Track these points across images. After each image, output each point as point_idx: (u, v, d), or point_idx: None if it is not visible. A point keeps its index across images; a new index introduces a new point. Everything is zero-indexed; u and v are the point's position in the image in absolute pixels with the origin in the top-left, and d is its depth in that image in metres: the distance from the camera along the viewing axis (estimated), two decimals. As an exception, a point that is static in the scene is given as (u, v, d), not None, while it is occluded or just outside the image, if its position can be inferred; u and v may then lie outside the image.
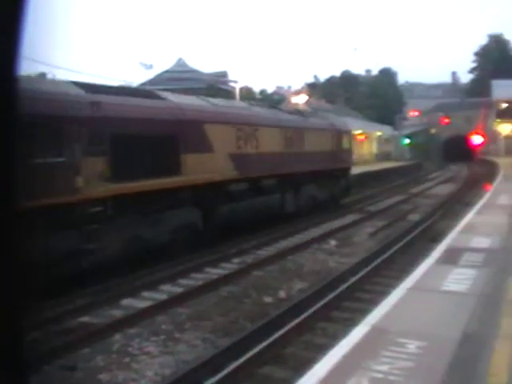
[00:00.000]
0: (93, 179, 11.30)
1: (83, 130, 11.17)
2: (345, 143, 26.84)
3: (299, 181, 21.01)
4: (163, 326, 9.29)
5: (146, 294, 11.36)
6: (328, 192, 24.05)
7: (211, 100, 18.30)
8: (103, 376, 7.37)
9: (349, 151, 27.73)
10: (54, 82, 12.97)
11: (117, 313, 10.07)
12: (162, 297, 11.04)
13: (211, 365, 7.32)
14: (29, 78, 10.74)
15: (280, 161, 19.55)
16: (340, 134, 26.37)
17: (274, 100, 74.10)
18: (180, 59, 75.44)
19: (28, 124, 7.90)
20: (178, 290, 11.61)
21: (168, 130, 14.03)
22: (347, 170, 27.30)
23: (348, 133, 28.51)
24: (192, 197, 14.85)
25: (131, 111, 12.91)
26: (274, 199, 19.24)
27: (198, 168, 14.76)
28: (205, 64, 76.99)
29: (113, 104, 12.39)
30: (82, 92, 11.76)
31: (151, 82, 61.66)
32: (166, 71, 71.02)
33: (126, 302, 10.80)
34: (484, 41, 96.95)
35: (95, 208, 11.43)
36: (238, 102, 25.00)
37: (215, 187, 15.67)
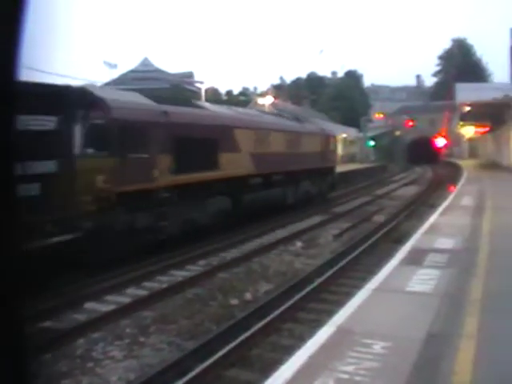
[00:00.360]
0: (163, 171, 14.66)
1: (157, 133, 14.43)
2: (331, 145, 31.49)
3: (297, 177, 24.92)
4: (128, 330, 9.18)
5: (109, 297, 11.21)
6: (318, 187, 28.13)
7: (236, 109, 23.23)
8: (67, 382, 7.24)
9: (334, 152, 32.92)
10: (134, 94, 15.94)
11: (80, 317, 9.91)
12: (126, 300, 10.91)
13: (177, 368, 7.25)
14: (116, 90, 14.73)
15: (283, 160, 23.21)
16: (327, 137, 31.00)
17: (240, 101, 74.17)
18: (145, 59, 75.06)
19: (124, 128, 13.05)
20: (142, 292, 11.49)
21: (210, 133, 17.56)
22: (333, 168, 31.82)
23: (333, 136, 33.41)
24: (224, 188, 18.28)
25: (187, 118, 16.45)
26: (278, 192, 22.95)
27: (230, 164, 18.44)
28: (171, 64, 77.20)
29: (175, 112, 15.78)
30: (154, 103, 15.41)
31: (116, 81, 61.19)
32: (131, 71, 70.57)
33: (89, 305, 10.64)
34: (448, 45, 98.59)
35: (164, 194, 14.77)
36: (252, 110, 28.85)
37: (240, 180, 19.33)
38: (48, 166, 11.52)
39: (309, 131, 28.45)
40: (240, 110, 23.68)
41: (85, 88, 14.52)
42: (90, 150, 13.29)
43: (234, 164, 18.73)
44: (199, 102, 20.07)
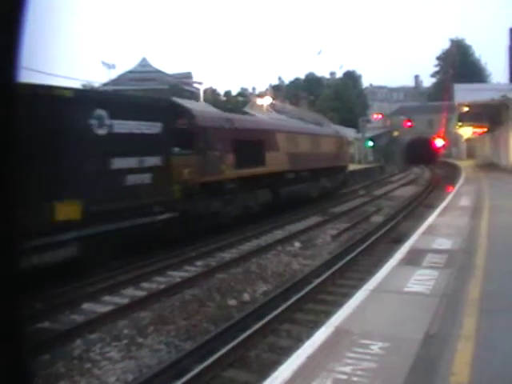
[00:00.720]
0: (228, 166, 18.85)
1: (225, 136, 18.72)
2: (344, 147, 36.70)
3: (318, 174, 29.03)
4: (125, 331, 9.17)
5: (107, 298, 11.21)
6: (333, 183, 32.46)
7: (273, 115, 29.56)
8: (64, 383, 7.23)
9: (347, 152, 38.23)
10: (206, 104, 21.32)
11: (77, 317, 9.90)
12: (124, 301, 10.90)
13: (175, 369, 7.25)
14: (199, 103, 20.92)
15: (309, 159, 27.24)
16: (341, 139, 36.02)
17: (238, 101, 74.17)
18: (143, 59, 74.96)
19: (204, 131, 16.85)
20: (140, 293, 11.48)
21: (259, 136, 21.76)
22: (346, 167, 36.67)
23: (346, 138, 38.70)
24: (268, 181, 22.07)
25: (244, 124, 20.99)
26: (305, 186, 26.79)
27: (272, 162, 22.50)
28: (169, 64, 77.29)
29: (236, 119, 20.37)
30: (221, 111, 20.46)
31: (114, 82, 61.12)
32: (129, 71, 70.46)
33: (86, 306, 10.63)
34: (446, 45, 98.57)
35: (229, 185, 18.99)
36: (283, 116, 33.27)
37: (279, 175, 23.22)
38: (156, 161, 15.13)
39: (327, 134, 33.45)
40: (276, 116, 29.98)
41: (174, 101, 18.68)
42: (177, 149, 16.73)
43: (275, 161, 22.87)
44: (249, 111, 25.76)
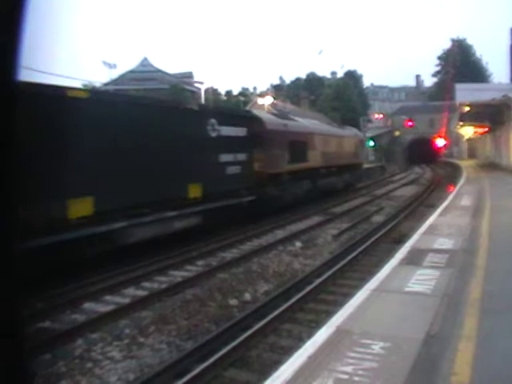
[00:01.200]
0: (284, 162, 24.15)
1: (282, 138, 23.97)
2: (361, 146, 43.28)
3: (342, 170, 34.47)
4: (127, 330, 9.17)
5: (108, 297, 11.22)
6: (353, 177, 38.56)
7: (309, 120, 34.41)
8: (65, 382, 7.23)
9: (362, 152, 45.38)
10: (267, 113, 28.61)
11: (78, 317, 9.91)
12: (125, 300, 10.91)
13: (176, 368, 7.26)
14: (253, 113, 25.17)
15: (336, 157, 33.02)
16: (358, 139, 42.26)
17: (239, 101, 74.10)
18: (145, 59, 74.90)
19: (270, 134, 22.38)
20: (141, 293, 11.49)
21: (303, 137, 27.31)
22: (361, 164, 43.93)
23: (362, 139, 45.83)
24: (308, 175, 27.36)
25: (294, 128, 26.60)
26: (333, 180, 32.61)
27: (312, 159, 28.13)
28: (170, 64, 77.17)
29: (289, 124, 26.11)
30: (279, 119, 26.02)
31: (115, 81, 61.14)
32: (131, 71, 70.39)
33: (87, 305, 10.64)
34: (448, 45, 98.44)
35: (285, 176, 24.26)
36: (316, 121, 38.09)
37: (316, 170, 28.79)
38: (244, 157, 20.62)
39: (348, 135, 39.28)
40: (312, 121, 35.19)
41: (252, 111, 26.53)
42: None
43: (313, 159, 28.39)
44: (295, 117, 30.66)
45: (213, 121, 18.59)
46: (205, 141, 17.90)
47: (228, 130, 19.57)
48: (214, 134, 18.56)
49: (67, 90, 12.21)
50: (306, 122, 31.88)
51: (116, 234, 13.23)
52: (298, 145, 26.01)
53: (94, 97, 14.01)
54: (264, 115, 25.03)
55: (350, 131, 41.35)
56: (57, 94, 11.54)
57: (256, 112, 25.68)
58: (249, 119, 22.20)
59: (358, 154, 40.40)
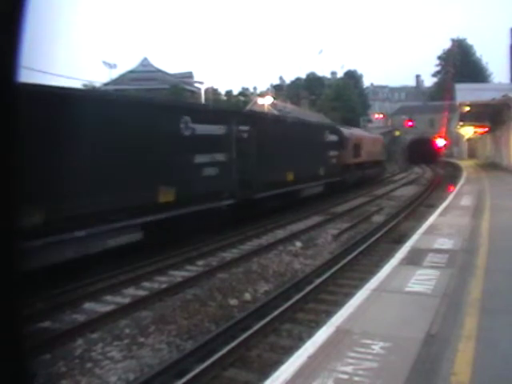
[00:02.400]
0: (350, 157, 36.46)
1: (350, 142, 36.96)
2: (382, 145, 54.73)
3: (374, 164, 46.03)
4: (127, 330, 9.18)
5: (108, 297, 11.22)
6: (380, 170, 50.73)
7: (358, 129, 50.64)
8: (66, 382, 7.23)
9: (384, 150, 55.99)
10: (337, 125, 40.35)
11: (78, 317, 9.91)
12: (126, 300, 10.92)
13: (176, 368, 7.26)
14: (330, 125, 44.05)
15: (372, 154, 44.58)
16: (382, 140, 55.22)
17: (239, 101, 74.08)
18: (145, 59, 74.76)
19: (346, 140, 36.20)
20: (141, 293, 11.49)
21: (357, 141, 39.23)
22: (384, 160, 54.56)
23: (383, 140, 58.11)
24: (359, 166, 38.65)
25: (355, 135, 40.77)
26: (371, 171, 44.33)
27: (362, 155, 39.83)
28: (170, 64, 76.97)
29: (352, 133, 40.52)
30: (347, 129, 39.88)
31: (115, 81, 61.11)
32: (131, 71, 70.30)
33: (87, 305, 10.64)
34: (448, 45, 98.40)
35: (351, 166, 36.50)
36: (359, 129, 55.12)
37: (363, 163, 40.38)
38: (335, 153, 32.78)
39: (375, 137, 53.37)
40: (357, 129, 52.81)
41: (336, 125, 40.65)
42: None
43: (362, 155, 40.34)
44: (346, 126, 43.46)
45: (327, 133, 32.55)
46: (323, 150, 30.74)
47: (331, 137, 33.07)
48: (326, 140, 31.81)
49: None
50: (355, 130, 46.93)
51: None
52: (356, 146, 38.66)
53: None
54: (343, 129, 38.17)
55: (375, 133, 59.48)
56: None
57: (339, 126, 39.38)
58: (337, 130, 35.45)
59: (383, 152, 53.27)
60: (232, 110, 28.45)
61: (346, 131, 37.59)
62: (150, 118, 14.88)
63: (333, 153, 32.21)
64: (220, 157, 18.51)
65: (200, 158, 17.22)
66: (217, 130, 18.57)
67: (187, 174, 16.33)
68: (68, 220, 11.57)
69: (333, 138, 32.76)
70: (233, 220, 18.69)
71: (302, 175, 25.54)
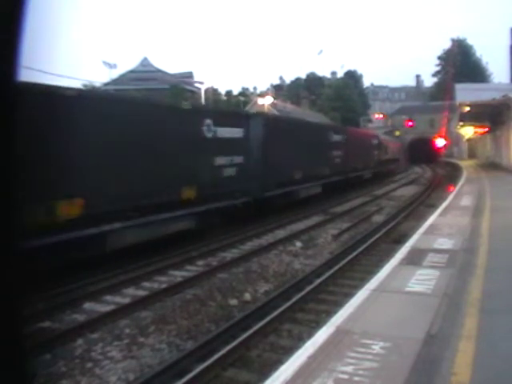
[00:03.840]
0: (383, 154, 55.03)
1: (383, 143, 56.28)
2: (400, 146, 73.04)
3: (394, 160, 62.54)
4: (127, 330, 9.17)
5: (108, 297, 11.22)
6: (397, 165, 64.48)
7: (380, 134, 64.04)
8: (65, 382, 7.23)
9: (401, 149, 72.29)
10: (376, 133, 60.72)
11: (78, 317, 9.91)
12: (126, 300, 10.91)
13: (176, 368, 7.25)
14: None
15: (393, 153, 62.93)
16: (401, 143, 73.85)
17: (239, 101, 74.09)
18: (145, 59, 74.77)
19: (381, 143, 56.05)
20: (141, 293, 11.49)
21: (385, 143, 58.87)
22: (399, 158, 68.49)
23: (402, 143, 76.85)
24: (387, 162, 57.56)
25: (385, 138, 61.89)
26: (393, 165, 60.89)
27: (388, 153, 59.40)
28: (170, 64, 76.95)
29: (384, 137, 62.64)
30: (377, 132, 62.07)
31: (115, 81, 61.10)
32: (131, 71, 70.29)
33: (87, 305, 10.64)
34: (448, 45, 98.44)
35: (384, 161, 54.81)
36: (384, 135, 68.01)
37: (388, 160, 58.90)
38: (376, 152, 50.80)
39: (395, 140, 68.75)
40: (383, 134, 66.30)
41: (377, 133, 60.34)
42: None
43: (389, 153, 57.83)
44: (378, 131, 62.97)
45: (374, 139, 49.58)
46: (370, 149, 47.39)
47: (375, 141, 50.01)
48: (372, 143, 48.58)
49: None
50: (383, 136, 61.52)
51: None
52: (385, 146, 54.48)
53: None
54: (380, 135, 56.99)
55: (397, 140, 74.47)
56: None
57: (379, 133, 57.32)
58: (377, 136, 52.14)
59: (399, 152, 69.63)
60: (248, 112, 29.10)
61: (381, 137, 57.29)
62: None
63: (376, 152, 49.44)
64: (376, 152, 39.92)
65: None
66: (375, 141, 38.69)
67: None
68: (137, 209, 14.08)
69: (375, 141, 50.26)
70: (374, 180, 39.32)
71: (358, 166, 39.57)
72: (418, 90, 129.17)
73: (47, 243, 10.52)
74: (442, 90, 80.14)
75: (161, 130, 14.98)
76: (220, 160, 18.37)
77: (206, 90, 51.35)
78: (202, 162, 17.18)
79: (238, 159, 19.58)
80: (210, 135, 17.70)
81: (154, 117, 14.85)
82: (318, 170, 29.04)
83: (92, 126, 12.07)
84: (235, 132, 19.58)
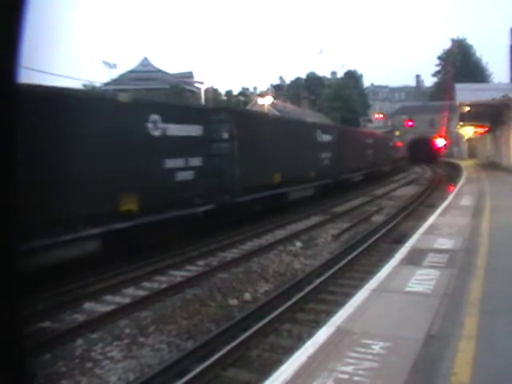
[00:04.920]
0: (396, 153, 69.32)
1: (397, 145, 74.01)
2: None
3: (403, 159, 73.26)
4: (127, 330, 9.17)
5: (108, 297, 11.22)
6: (404, 163, 71.54)
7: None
8: (65, 382, 7.22)
9: (397, 149, 75.72)
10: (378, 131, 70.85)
11: (78, 317, 9.91)
12: (126, 300, 10.91)
13: (176, 368, 7.25)
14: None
15: (403, 152, 77.34)
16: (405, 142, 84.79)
17: (239, 101, 74.11)
18: (145, 59, 74.81)
19: (396, 146, 74.11)
20: (141, 293, 11.49)
21: (400, 144, 78.07)
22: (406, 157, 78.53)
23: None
24: (400, 159, 70.07)
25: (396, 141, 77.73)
26: (403, 163, 70.78)
27: (400, 152, 75.03)
28: (170, 64, 77.10)
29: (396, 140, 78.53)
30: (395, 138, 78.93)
31: (115, 81, 61.10)
32: (131, 71, 70.30)
33: (87, 305, 10.64)
34: (448, 45, 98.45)
35: (398, 159, 68.61)
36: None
37: (400, 158, 71.54)
38: (391, 152, 65.47)
39: (401, 140, 78.35)
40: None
41: (391, 136, 75.72)
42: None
43: (400, 153, 73.97)
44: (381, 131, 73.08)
45: (390, 141, 66.77)
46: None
47: (391, 143, 65.88)
48: (389, 145, 64.51)
49: None
50: (396, 138, 74.82)
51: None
52: (399, 147, 70.28)
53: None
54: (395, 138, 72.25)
55: (398, 138, 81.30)
56: None
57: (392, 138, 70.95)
58: (391, 139, 69.32)
59: (406, 151, 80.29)
60: (207, 106, 27.49)
61: (395, 139, 72.71)
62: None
63: (392, 152, 61.35)
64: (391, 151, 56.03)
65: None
66: (389, 143, 52.50)
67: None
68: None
69: (391, 143, 64.39)
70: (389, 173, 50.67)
71: (381, 163, 50.55)
72: (418, 90, 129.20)
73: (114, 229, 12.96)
74: (442, 90, 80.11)
75: (85, 128, 12.05)
76: (171, 162, 15.81)
77: (206, 90, 51.33)
78: (146, 165, 14.58)
79: (196, 161, 17.00)
80: (157, 133, 15.13)
81: (75, 112, 11.90)
82: (302, 173, 26.45)
83: None
84: (191, 130, 16.92)
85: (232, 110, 23.14)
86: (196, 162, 16.97)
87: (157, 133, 15.09)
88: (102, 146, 12.60)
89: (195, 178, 16.88)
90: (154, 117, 15.05)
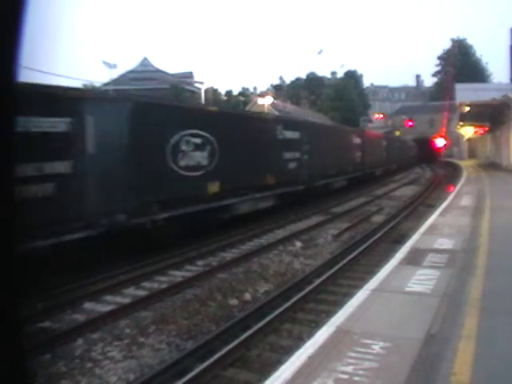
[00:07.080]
0: (412, 152, 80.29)
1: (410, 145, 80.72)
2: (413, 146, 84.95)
3: (412, 159, 76.99)
4: (127, 330, 9.17)
5: (108, 297, 11.21)
6: (414, 160, 77.94)
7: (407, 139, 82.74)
8: (65, 382, 7.22)
9: (412, 149, 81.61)
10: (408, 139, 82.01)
11: (79, 317, 9.91)
12: (126, 300, 10.91)
13: (176, 368, 7.25)
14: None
15: (412, 152, 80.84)
16: (410, 142, 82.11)
17: (239, 101, 74.11)
18: (145, 59, 74.82)
19: (393, 143, 66.15)
20: (141, 293, 11.48)
21: (411, 145, 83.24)
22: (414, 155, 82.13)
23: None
24: (412, 158, 79.37)
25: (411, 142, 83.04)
26: (412, 160, 76.51)
27: (410, 152, 79.00)
28: (170, 64, 77.14)
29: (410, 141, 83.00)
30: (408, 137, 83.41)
31: (115, 81, 61.06)
32: (131, 71, 70.30)
33: (87, 305, 10.63)
34: (448, 45, 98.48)
35: (412, 157, 78.98)
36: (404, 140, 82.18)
37: (411, 157, 76.90)
38: (402, 152, 70.52)
39: (407, 141, 77.62)
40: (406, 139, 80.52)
41: (401, 137, 78.06)
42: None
43: (411, 152, 79.66)
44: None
45: (408, 143, 77.61)
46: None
47: (411, 143, 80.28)
48: (408, 145, 76.15)
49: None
50: (407, 140, 77.31)
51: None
52: (412, 147, 77.12)
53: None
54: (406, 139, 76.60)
55: (412, 142, 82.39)
56: None
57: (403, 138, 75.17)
58: (409, 141, 77.91)
59: (414, 149, 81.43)
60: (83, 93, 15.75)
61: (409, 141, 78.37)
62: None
63: (411, 152, 74.70)
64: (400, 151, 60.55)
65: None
66: (410, 144, 62.11)
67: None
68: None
69: (411, 143, 76.99)
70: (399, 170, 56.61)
71: (403, 163, 61.73)
72: (418, 89, 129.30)
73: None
74: (442, 90, 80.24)
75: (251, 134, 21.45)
76: (287, 155, 24.64)
77: (206, 90, 51.34)
78: (275, 156, 23.59)
79: (60, 166, 11.42)
80: (280, 137, 24.59)
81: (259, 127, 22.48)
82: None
83: None
84: (50, 124, 11.28)
85: (129, 99, 14.26)
86: (60, 167, 11.22)
87: (280, 136, 23.56)
88: (256, 144, 20.77)
89: (297, 167, 25.19)
90: (279, 127, 23.84)
